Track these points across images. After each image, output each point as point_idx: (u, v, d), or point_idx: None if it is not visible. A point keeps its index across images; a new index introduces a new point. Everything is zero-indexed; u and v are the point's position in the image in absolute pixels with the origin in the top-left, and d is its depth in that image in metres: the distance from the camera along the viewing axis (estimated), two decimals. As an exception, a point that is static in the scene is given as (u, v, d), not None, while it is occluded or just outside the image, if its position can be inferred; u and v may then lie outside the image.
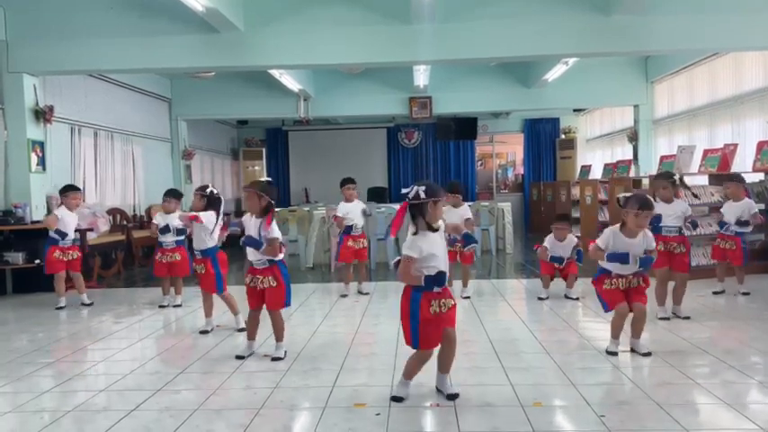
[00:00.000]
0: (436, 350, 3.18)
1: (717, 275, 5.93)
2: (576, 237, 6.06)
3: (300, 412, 3.12)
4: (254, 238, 3.88)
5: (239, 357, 4.04)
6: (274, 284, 3.92)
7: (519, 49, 7.24)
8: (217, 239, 4.85)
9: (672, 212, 4.79)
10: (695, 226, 5.00)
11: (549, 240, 5.96)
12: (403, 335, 3.15)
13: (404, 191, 3.10)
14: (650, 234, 3.91)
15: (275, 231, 3.92)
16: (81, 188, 6.10)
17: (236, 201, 14.74)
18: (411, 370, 3.19)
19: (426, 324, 3.04)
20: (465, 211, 5.71)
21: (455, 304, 3.15)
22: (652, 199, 4.07)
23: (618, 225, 3.90)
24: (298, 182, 15.56)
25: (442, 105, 11.97)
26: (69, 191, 6.15)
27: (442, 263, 3.08)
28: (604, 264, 3.89)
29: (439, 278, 3.04)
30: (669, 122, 10.64)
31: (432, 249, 3.04)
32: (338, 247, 6.38)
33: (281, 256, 3.96)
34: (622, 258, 3.74)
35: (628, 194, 4.16)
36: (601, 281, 3.92)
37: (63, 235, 5.96)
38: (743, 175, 6.16)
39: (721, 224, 5.81)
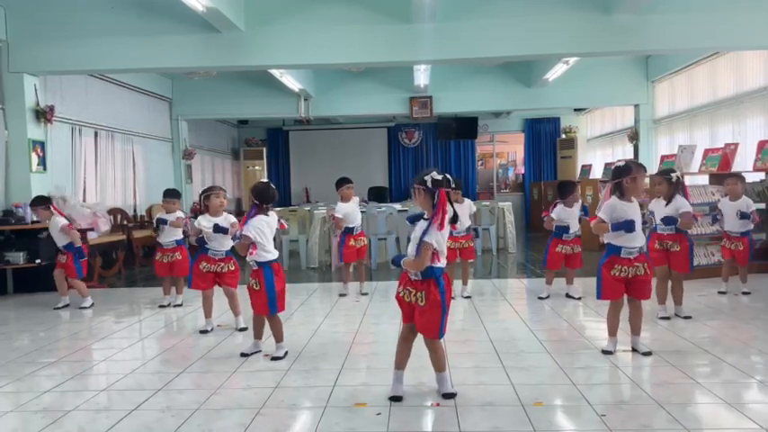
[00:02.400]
0: (423, 346, 3.19)
1: (722, 274, 5.93)
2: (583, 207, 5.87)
3: (301, 412, 3.12)
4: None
5: (244, 355, 4.06)
6: (257, 288, 3.92)
7: (519, 48, 7.24)
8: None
9: (667, 210, 4.72)
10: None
11: (557, 211, 5.70)
12: (432, 330, 3.07)
13: (436, 177, 2.98)
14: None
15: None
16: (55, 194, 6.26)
17: (236, 201, 14.74)
18: (402, 359, 3.23)
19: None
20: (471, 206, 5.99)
21: None
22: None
23: (614, 197, 3.80)
24: (298, 182, 15.58)
25: (443, 105, 11.96)
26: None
27: None
28: (611, 238, 3.77)
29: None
30: (670, 122, 10.63)
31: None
32: (341, 248, 6.37)
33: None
34: (628, 225, 3.65)
35: (619, 164, 3.98)
36: (609, 265, 3.79)
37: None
38: (743, 174, 6.19)
39: (714, 218, 5.97)
